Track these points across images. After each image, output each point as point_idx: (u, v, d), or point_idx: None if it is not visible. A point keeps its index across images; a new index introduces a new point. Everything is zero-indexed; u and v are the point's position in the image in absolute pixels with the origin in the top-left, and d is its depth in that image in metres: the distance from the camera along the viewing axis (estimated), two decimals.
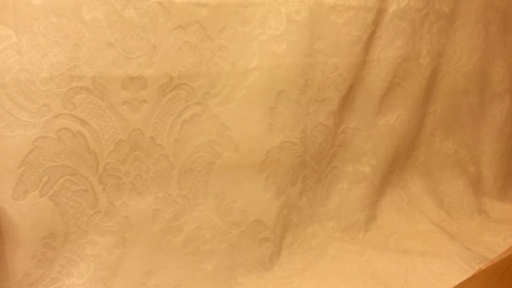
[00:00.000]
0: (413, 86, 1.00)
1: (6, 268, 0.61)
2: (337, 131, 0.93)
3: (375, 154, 0.97)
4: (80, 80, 0.64)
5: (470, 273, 0.74)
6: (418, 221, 0.97)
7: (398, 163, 1.03)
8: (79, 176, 0.66)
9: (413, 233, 0.93)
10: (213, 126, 0.76)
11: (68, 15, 0.62)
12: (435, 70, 1.03)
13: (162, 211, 0.74)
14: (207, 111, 0.75)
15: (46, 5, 0.60)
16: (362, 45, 0.90)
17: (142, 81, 0.68)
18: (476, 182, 1.11)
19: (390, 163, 1.00)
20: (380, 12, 0.91)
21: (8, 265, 0.61)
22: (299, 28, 0.81)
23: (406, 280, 0.77)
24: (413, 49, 0.98)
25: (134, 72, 0.67)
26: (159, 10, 0.68)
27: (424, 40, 0.99)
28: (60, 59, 0.62)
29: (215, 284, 0.75)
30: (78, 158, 0.66)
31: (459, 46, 1.06)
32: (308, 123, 0.86)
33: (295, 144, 0.85)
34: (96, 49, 0.64)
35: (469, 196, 1.07)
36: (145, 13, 0.67)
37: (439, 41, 1.02)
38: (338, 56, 0.87)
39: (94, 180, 0.68)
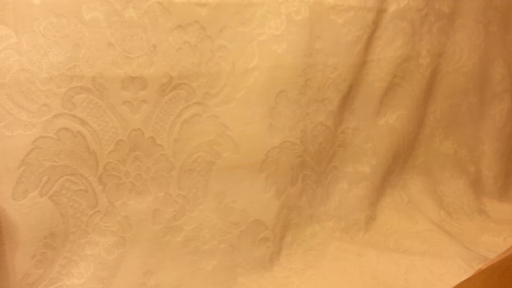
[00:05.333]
0: (413, 86, 1.00)
1: (6, 268, 0.61)
2: (337, 131, 0.93)
3: (375, 154, 0.97)
4: (80, 80, 0.64)
5: (470, 273, 0.74)
6: (418, 221, 0.97)
7: (398, 163, 1.03)
8: (79, 176, 0.66)
9: (413, 233, 0.93)
10: (213, 126, 0.76)
11: (68, 15, 0.62)
12: (435, 70, 1.03)
13: (162, 211, 0.74)
14: (207, 111, 0.75)
15: (46, 5, 0.60)
16: (362, 45, 0.90)
17: (142, 81, 0.68)
18: (476, 182, 1.11)
19: (390, 163, 1.00)
20: (380, 12, 0.91)
21: (8, 265, 0.61)
22: (299, 28, 0.81)
23: (406, 280, 0.77)
24: (413, 49, 0.98)
25: (134, 72, 0.67)
26: (159, 10, 0.68)
27: (424, 40, 0.99)
28: (60, 59, 0.62)
29: (215, 284, 0.75)
30: (78, 158, 0.66)
31: (459, 46, 1.06)
32: (308, 123, 0.86)
33: (295, 144, 0.85)
34: (96, 49, 0.64)
35: (469, 196, 1.07)
36: (145, 13, 0.67)
37: (439, 41, 1.02)
38: (338, 56, 0.87)
39: (94, 180, 0.68)
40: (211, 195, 0.78)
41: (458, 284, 0.64)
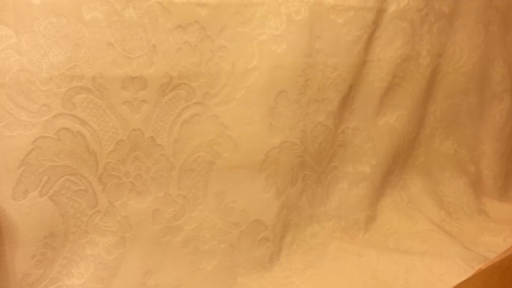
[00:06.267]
0: (413, 86, 1.00)
1: (6, 268, 0.61)
2: (337, 131, 0.93)
3: (375, 154, 0.97)
4: (80, 80, 0.64)
5: (470, 273, 0.74)
6: (418, 221, 0.97)
7: (398, 163, 1.03)
8: (79, 176, 0.66)
9: (413, 233, 0.93)
10: (213, 126, 0.76)
11: (68, 15, 0.62)
12: (435, 70, 1.03)
13: (162, 211, 0.74)
14: (207, 111, 0.75)
15: (46, 5, 0.60)
16: (362, 45, 0.90)
17: (142, 81, 0.68)
18: (476, 182, 1.11)
19: (390, 163, 1.00)
20: (380, 12, 0.91)
21: (8, 265, 0.61)
22: (299, 28, 0.81)
23: (406, 280, 0.77)
24: (413, 49, 0.98)
25: (134, 72, 0.67)
26: (159, 10, 0.68)
27: (424, 40, 0.99)
28: (60, 59, 0.62)
29: (215, 284, 0.75)
30: (78, 158, 0.66)
31: (459, 46, 1.06)
32: (308, 123, 0.86)
33: (295, 144, 0.85)
34: (96, 49, 0.64)
35: (469, 196, 1.07)
36: (145, 13, 0.67)
37: (439, 41, 1.02)
38: (338, 56, 0.87)
39: (94, 180, 0.68)
40: (211, 195, 0.78)
41: (458, 284, 0.64)
